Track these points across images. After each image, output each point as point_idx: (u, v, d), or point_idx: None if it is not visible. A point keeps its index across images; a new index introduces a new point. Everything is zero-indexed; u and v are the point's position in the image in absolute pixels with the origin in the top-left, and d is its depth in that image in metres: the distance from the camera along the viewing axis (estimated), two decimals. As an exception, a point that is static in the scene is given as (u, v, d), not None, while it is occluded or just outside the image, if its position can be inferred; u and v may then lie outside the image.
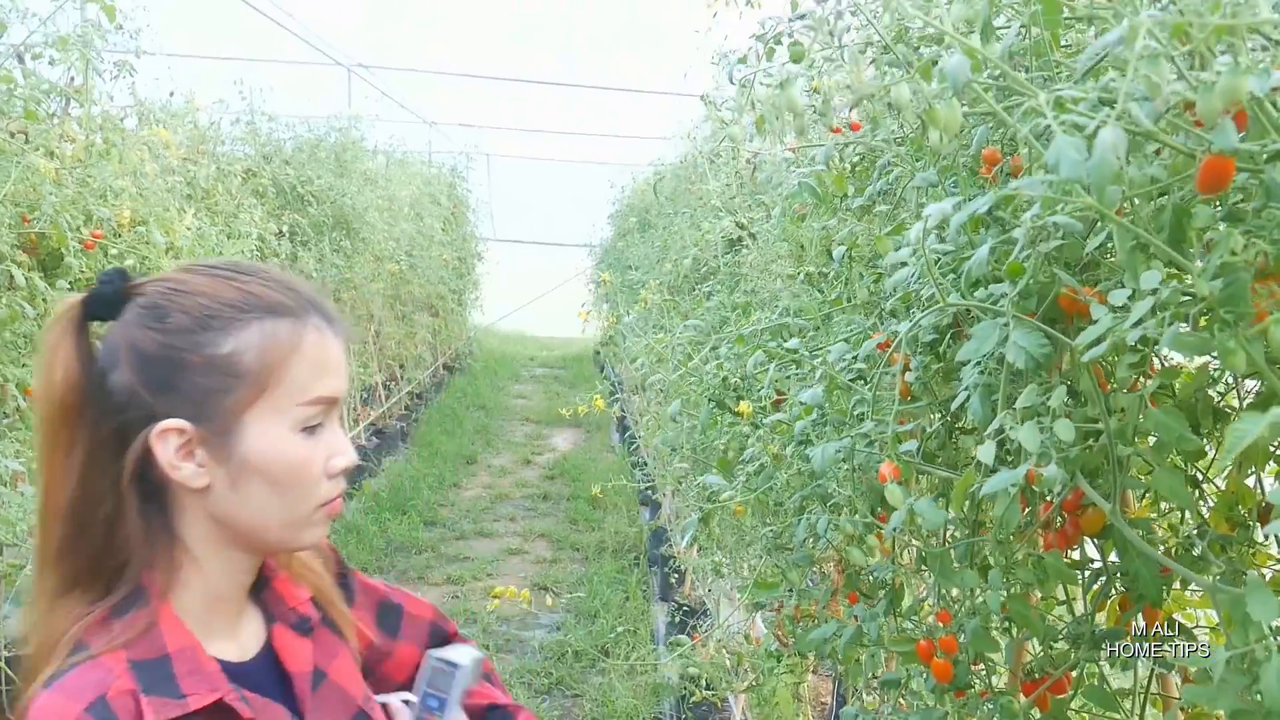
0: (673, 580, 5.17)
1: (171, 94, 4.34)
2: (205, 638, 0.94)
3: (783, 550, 1.37)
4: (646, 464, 5.46)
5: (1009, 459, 0.98)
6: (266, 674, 0.99)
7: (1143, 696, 1.27)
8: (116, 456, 0.90)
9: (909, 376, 1.27)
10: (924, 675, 1.21)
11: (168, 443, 0.89)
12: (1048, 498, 1.06)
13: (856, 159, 1.71)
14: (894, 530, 0.97)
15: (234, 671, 0.94)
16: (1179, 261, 0.68)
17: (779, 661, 2.06)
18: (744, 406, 1.19)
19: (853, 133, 1.63)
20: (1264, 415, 0.48)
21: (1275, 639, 0.69)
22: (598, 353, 11.06)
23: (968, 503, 1.27)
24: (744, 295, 2.10)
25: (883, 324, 1.36)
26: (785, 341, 1.21)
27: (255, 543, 0.95)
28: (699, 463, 1.87)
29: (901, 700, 1.43)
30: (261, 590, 1.03)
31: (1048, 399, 0.86)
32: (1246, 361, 0.61)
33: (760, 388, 1.33)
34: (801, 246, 2.16)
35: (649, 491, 5.39)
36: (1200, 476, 1.23)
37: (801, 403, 1.11)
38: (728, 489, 1.21)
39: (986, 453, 0.82)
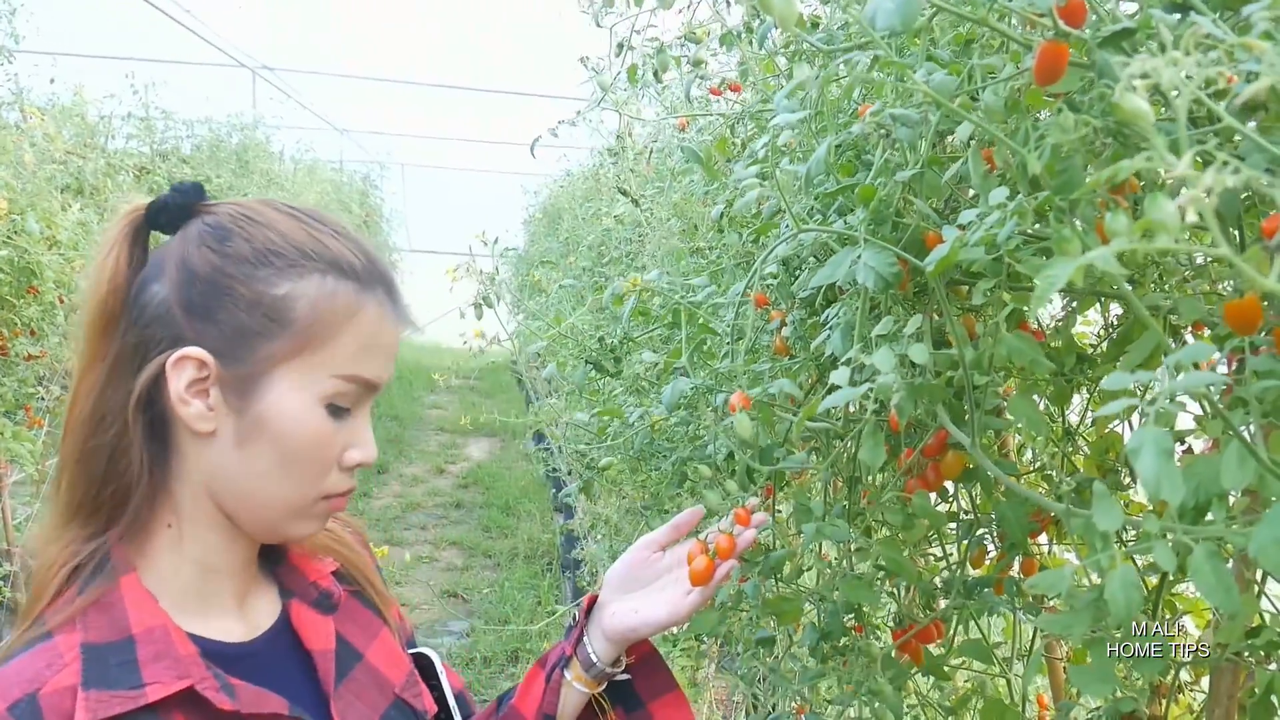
0: (585, 584, 5.10)
1: (53, 81, 4.15)
2: (198, 613, 0.85)
3: (662, 514, 1.34)
4: (559, 468, 5.39)
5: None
6: (281, 654, 0.90)
7: (1027, 655, 1.27)
8: (134, 374, 0.82)
9: (785, 332, 1.25)
10: (797, 635, 1.19)
11: (183, 372, 0.80)
12: (911, 445, 1.04)
13: (749, 133, 1.70)
14: (747, 461, 0.94)
15: (232, 653, 0.85)
16: (1026, 160, 0.67)
17: (674, 646, 2.03)
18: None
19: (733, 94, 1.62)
20: (1074, 259, 0.45)
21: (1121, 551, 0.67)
22: (514, 362, 10.94)
23: (844, 458, 1.26)
24: (638, 271, 2.06)
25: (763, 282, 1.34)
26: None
27: (245, 517, 0.86)
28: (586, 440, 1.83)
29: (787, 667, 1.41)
30: (277, 565, 0.95)
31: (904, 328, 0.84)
32: (1080, 250, 0.59)
33: (635, 350, 1.29)
34: (695, 226, 2.14)
35: (563, 497, 5.34)
36: (1072, 427, 1.25)
37: (667, 350, 1.07)
38: (599, 426, 1.17)
39: (840, 375, 0.80)
